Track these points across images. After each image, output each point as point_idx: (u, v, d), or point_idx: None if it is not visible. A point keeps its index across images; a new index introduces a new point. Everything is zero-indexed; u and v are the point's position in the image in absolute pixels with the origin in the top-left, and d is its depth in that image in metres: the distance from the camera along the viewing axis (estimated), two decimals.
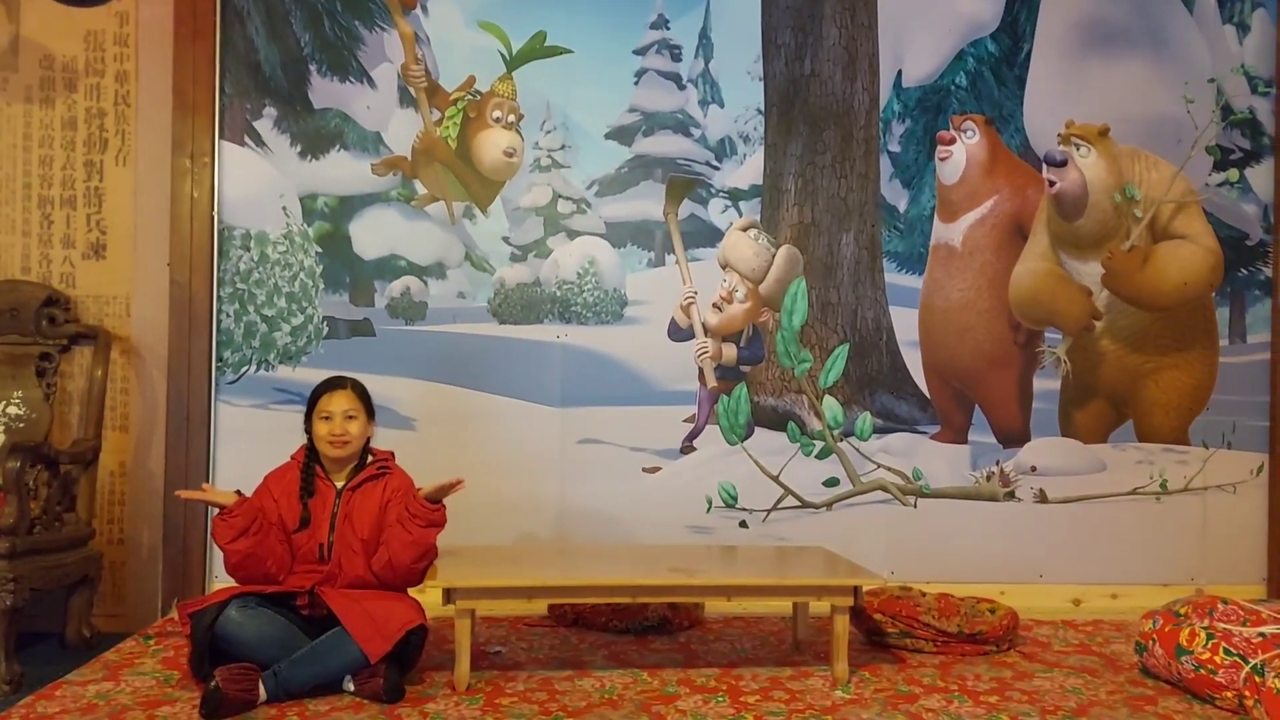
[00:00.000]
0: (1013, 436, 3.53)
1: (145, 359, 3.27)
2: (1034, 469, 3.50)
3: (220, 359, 3.29)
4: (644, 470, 3.44)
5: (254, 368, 3.32)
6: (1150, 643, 2.51)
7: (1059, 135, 3.50)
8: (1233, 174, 3.56)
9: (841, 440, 3.49)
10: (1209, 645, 2.33)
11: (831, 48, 3.47)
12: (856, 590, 2.54)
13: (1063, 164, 3.48)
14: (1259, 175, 3.56)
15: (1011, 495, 3.51)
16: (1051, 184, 3.49)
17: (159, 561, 3.25)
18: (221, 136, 3.30)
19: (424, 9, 3.37)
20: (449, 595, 2.43)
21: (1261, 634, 2.28)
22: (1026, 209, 3.53)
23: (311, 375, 3.30)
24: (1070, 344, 3.53)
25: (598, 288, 3.45)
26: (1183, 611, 2.48)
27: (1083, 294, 3.52)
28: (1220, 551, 3.51)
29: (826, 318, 3.49)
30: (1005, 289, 3.52)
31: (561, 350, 3.43)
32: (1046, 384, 3.53)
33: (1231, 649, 2.30)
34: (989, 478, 3.51)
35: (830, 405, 3.48)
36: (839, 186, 3.49)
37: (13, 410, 3.10)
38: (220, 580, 3.25)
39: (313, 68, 3.34)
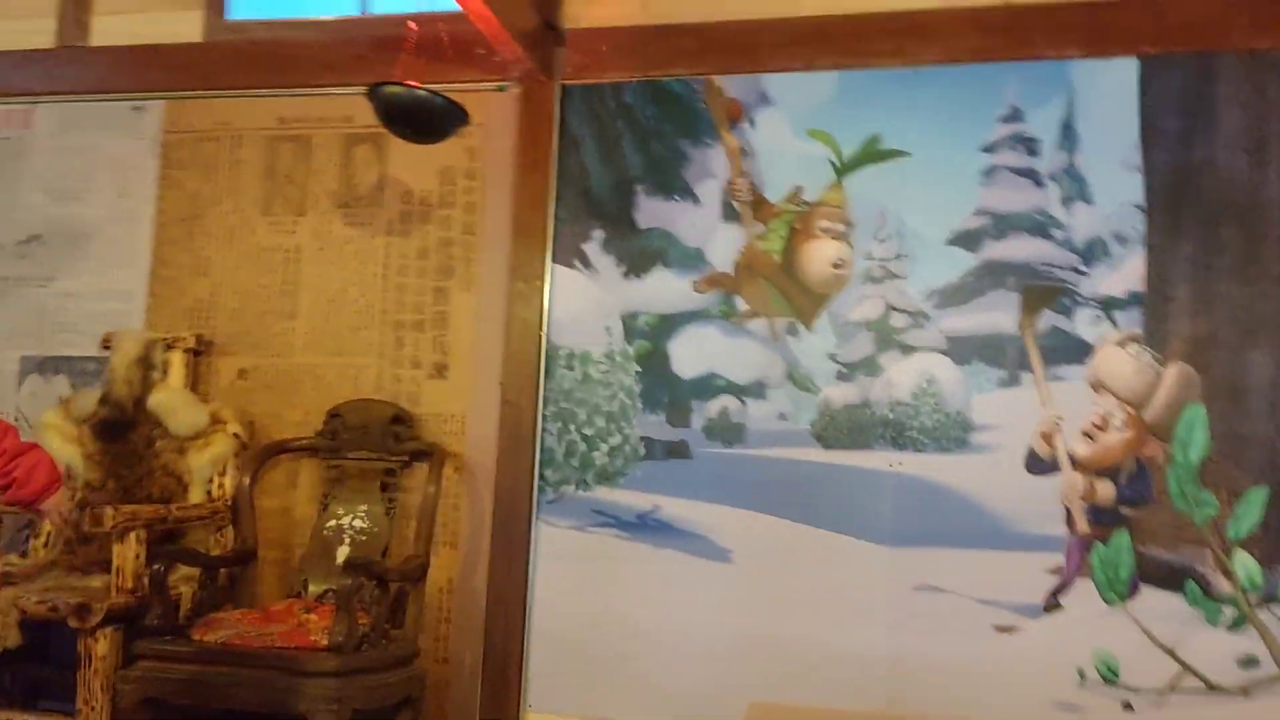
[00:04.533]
0: None
1: (476, 476, 3.33)
2: None
3: (543, 477, 3.27)
4: (996, 628, 2.91)
5: (573, 487, 3.26)
6: None
7: None
8: None
9: (1262, 607, 2.74)
10: None
11: (1231, 131, 2.88)
12: None
13: None
14: None
15: None
16: None
17: (479, 682, 3.22)
18: (554, 260, 3.36)
19: (750, 121, 3.26)
20: None
21: None
22: None
23: (627, 497, 3.19)
24: None
25: (937, 410, 3.04)
26: None
27: None
28: None
29: (1235, 453, 2.81)
30: None
31: (894, 480, 3.03)
32: None
33: None
34: None
35: (1243, 562, 2.76)
36: (1245, 294, 2.85)
37: (358, 524, 3.26)
38: (535, 711, 3.15)
39: (639, 189, 3.34)
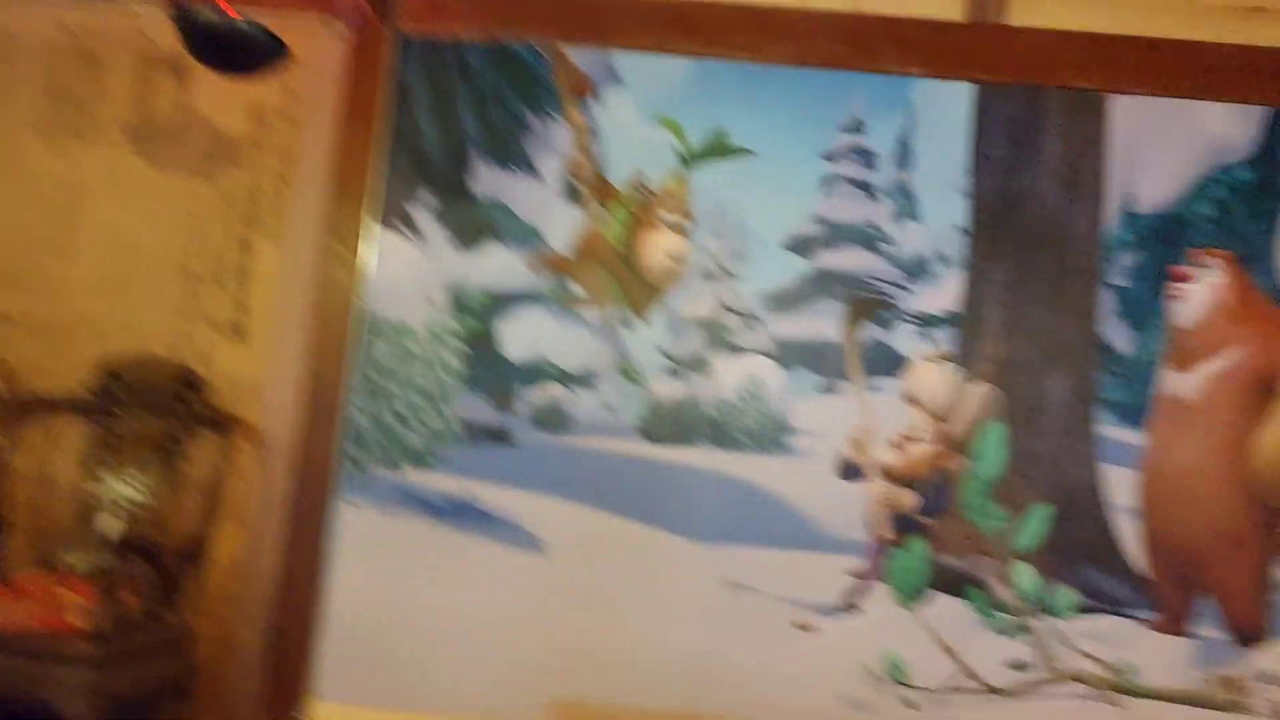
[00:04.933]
0: (1249, 634, 2.92)
1: (271, 449, 3.07)
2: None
3: (347, 456, 3.05)
4: (796, 625, 2.98)
5: (382, 468, 3.06)
6: None
7: None
8: None
9: (1036, 617, 2.95)
10: None
11: (1052, 163, 3.04)
12: None
13: None
14: None
15: (1244, 706, 2.88)
16: None
17: (261, 670, 2.99)
18: (376, 221, 3.12)
19: (599, 99, 3.14)
20: None
21: None
22: (1278, 363, 2.97)
23: (441, 481, 3.04)
24: None
25: (760, 412, 3.07)
26: None
27: None
28: None
29: (1025, 470, 2.99)
30: (1246, 457, 2.95)
31: (714, 479, 3.04)
32: None
33: None
34: (1217, 681, 2.89)
35: (1023, 573, 2.96)
36: (1050, 320, 3.02)
37: (130, 494, 2.93)
38: (324, 700, 2.97)
39: (476, 155, 3.14)
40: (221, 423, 2.99)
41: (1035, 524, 2.97)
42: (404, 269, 3.13)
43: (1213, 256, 3.00)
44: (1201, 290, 2.98)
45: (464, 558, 3.00)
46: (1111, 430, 3.00)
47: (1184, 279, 3.00)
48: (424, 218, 3.14)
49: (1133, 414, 3.02)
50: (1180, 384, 3.00)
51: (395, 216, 3.13)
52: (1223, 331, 2.98)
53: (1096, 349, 3.02)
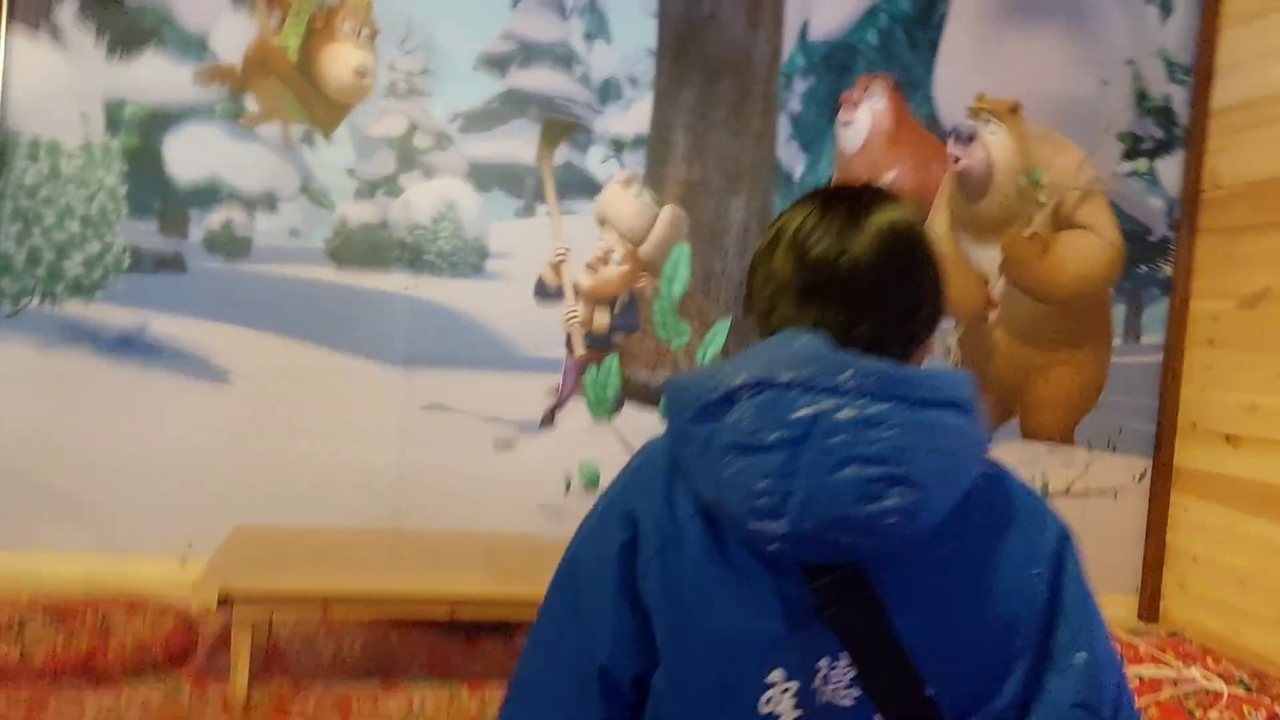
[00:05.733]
0: None
1: None
2: None
3: None
4: (497, 443, 3.08)
5: (38, 301, 2.81)
6: None
7: (968, 109, 3.25)
8: (1142, 164, 3.38)
9: None
10: None
11: None
12: None
13: (970, 140, 3.23)
14: (1168, 167, 3.39)
15: None
16: (956, 160, 3.24)
17: None
18: (8, 19, 2.75)
19: None
20: (226, 601, 2.04)
21: (1140, 676, 2.10)
22: (929, 185, 3.28)
23: (107, 313, 2.84)
24: (962, 332, 3.32)
25: (455, 235, 3.05)
26: None
27: (979, 280, 3.30)
28: (1095, 559, 3.34)
29: (709, 288, 3.18)
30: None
31: (409, 303, 3.02)
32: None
33: None
34: None
35: None
36: (732, 144, 3.16)
37: None
38: None
39: None
40: None
41: (717, 338, 3.18)
42: (49, 79, 2.80)
43: (876, 83, 3.22)
44: (864, 116, 3.21)
45: (138, 392, 2.85)
46: None
47: (851, 105, 3.20)
48: (69, 20, 2.80)
49: None
50: None
51: (34, 16, 2.77)
52: (883, 155, 3.24)
53: (773, 172, 3.20)
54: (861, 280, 0.93)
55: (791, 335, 0.90)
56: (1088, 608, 0.94)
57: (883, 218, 0.95)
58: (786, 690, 0.84)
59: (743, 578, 0.87)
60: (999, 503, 0.92)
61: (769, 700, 0.84)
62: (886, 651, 0.83)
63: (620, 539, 0.94)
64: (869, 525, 0.82)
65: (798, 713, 0.84)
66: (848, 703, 0.84)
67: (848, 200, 0.96)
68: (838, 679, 0.85)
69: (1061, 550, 0.95)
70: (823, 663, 0.85)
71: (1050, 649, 0.90)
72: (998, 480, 0.94)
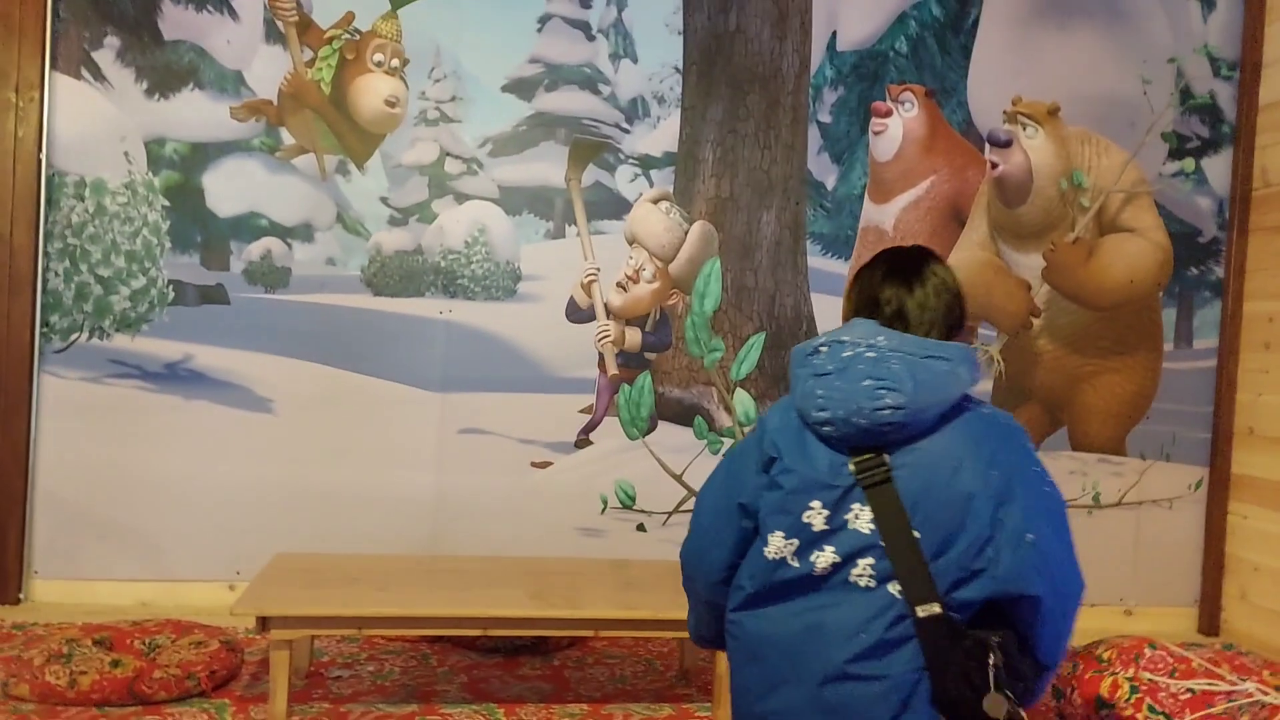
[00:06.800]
0: None
1: None
2: None
3: (46, 324, 2.87)
4: (533, 465, 3.09)
5: (86, 335, 2.90)
6: (1069, 690, 2.24)
7: (1005, 113, 3.19)
8: (1188, 164, 3.28)
9: None
10: (1132, 700, 2.07)
11: (760, 2, 3.10)
12: None
13: (1007, 144, 3.17)
14: (1216, 166, 3.28)
15: None
16: (994, 166, 3.18)
17: None
18: (53, 67, 2.85)
19: None
20: (264, 624, 2.07)
21: (1190, 689, 2.02)
22: (966, 192, 3.22)
23: (153, 346, 2.92)
24: (1005, 342, 3.25)
25: (488, 259, 3.08)
26: (1106, 657, 2.21)
27: (1021, 288, 3.23)
28: (1152, 571, 3.27)
29: (742, 303, 3.16)
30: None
31: (444, 328, 3.06)
32: (978, 385, 3.24)
33: (1157, 707, 2.03)
34: None
35: (742, 400, 3.16)
36: (761, 158, 3.14)
37: None
38: (43, 578, 2.88)
39: None
40: None
41: (751, 353, 3.16)
42: (92, 120, 2.89)
43: (908, 91, 3.17)
44: (896, 125, 3.16)
45: (185, 422, 2.92)
46: (818, 261, 3.19)
47: (883, 114, 3.17)
48: (110, 63, 2.89)
49: (838, 245, 3.22)
50: (879, 215, 3.21)
51: (75, 62, 2.87)
52: (916, 164, 3.19)
53: (804, 185, 3.17)
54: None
55: (858, 320, 1.45)
56: (1037, 499, 1.37)
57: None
58: (819, 514, 1.38)
59: (815, 449, 1.42)
60: (973, 420, 1.41)
61: (807, 514, 1.39)
62: (891, 503, 1.35)
63: (758, 434, 1.50)
64: (874, 416, 1.35)
65: (825, 527, 1.38)
66: (866, 530, 1.36)
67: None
68: (862, 516, 1.37)
69: (1013, 456, 1.39)
70: (855, 505, 1.37)
71: (1003, 520, 1.34)
72: (975, 407, 1.43)
